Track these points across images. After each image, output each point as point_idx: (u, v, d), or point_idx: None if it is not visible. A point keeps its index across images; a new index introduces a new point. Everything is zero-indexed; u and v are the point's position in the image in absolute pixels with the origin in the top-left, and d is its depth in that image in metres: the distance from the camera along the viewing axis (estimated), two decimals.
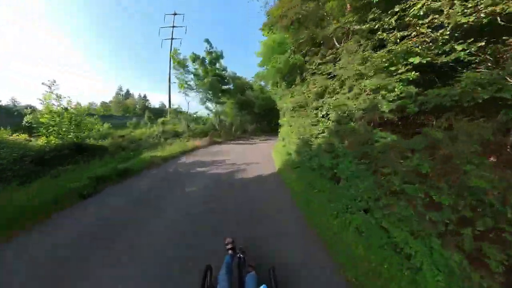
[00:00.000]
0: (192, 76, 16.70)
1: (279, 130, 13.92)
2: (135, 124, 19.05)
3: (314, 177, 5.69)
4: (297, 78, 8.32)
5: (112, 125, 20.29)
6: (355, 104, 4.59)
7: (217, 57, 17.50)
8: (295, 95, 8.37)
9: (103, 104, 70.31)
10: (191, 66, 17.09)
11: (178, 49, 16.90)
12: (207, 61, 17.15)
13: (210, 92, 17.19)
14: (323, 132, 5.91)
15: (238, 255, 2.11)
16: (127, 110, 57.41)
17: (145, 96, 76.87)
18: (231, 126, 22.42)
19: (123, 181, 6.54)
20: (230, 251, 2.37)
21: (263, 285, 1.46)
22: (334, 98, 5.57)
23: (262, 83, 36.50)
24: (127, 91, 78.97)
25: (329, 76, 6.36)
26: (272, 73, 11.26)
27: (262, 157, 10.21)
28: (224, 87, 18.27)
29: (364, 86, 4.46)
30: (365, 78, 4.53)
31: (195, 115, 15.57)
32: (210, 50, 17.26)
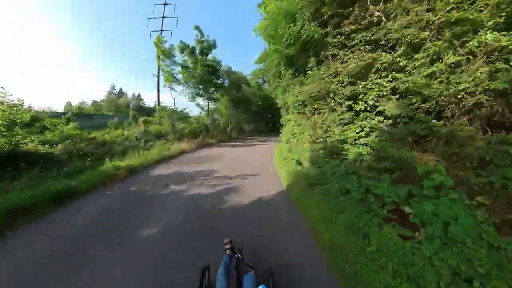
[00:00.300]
0: (180, 68, 14.12)
1: (280, 130, 11.64)
2: (117, 124, 16.50)
3: (348, 207, 3.40)
4: (310, 60, 5.99)
5: (93, 125, 17.73)
6: (458, 83, 2.27)
7: (209, 47, 15.04)
8: (308, 83, 6.04)
9: (94, 103, 67.37)
10: (179, 57, 14.61)
11: (163, 37, 14.40)
12: (197, 51, 14.68)
13: (201, 86, 14.69)
14: (366, 136, 3.59)
15: (236, 255, 2.00)
16: (118, 109, 54.53)
17: (139, 95, 74.02)
18: (226, 126, 20.04)
19: (55, 212, 4.19)
20: (228, 251, 2.23)
21: (262, 285, 1.36)
22: (389, 77, 3.25)
23: (260, 80, 34.42)
24: (120, 89, 75.91)
25: (370, 49, 4.04)
26: (274, 60, 8.93)
27: (262, 164, 7.88)
28: (217, 81, 15.76)
29: (478, 46, 2.14)
30: (483, 31, 2.21)
31: (182, 113, 12.95)
32: (201, 39, 14.79)
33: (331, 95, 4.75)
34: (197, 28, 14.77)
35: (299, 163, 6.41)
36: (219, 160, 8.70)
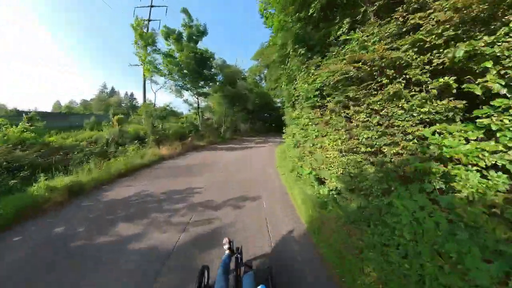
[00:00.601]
0: (165, 57, 11.65)
1: (284, 131, 9.61)
2: (93, 124, 14.16)
3: None
4: (343, 24, 3.93)
5: (65, 126, 15.34)
6: None
7: (198, 32, 12.76)
8: (331, 62, 3.98)
9: (84, 102, 64.52)
10: (164, 45, 12.32)
11: (142, 18, 12.07)
12: (184, 37, 12.40)
13: (188, 78, 12.36)
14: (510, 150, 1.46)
15: (235, 255, 2.02)
16: (108, 109, 51.77)
17: (132, 94, 71.34)
18: (219, 126, 17.84)
19: None
20: (227, 251, 2.16)
21: (261, 285, 1.31)
22: None
23: (257, 78, 32.28)
24: (112, 88, 73.26)
25: None
26: (277, 40, 6.89)
27: (263, 177, 5.84)
28: (207, 72, 13.42)
29: None
30: None
31: (166, 109, 10.50)
32: (190, 24, 12.54)
33: (388, 71, 2.67)
34: (184, 11, 12.52)
35: (319, 180, 4.36)
36: (205, 170, 6.58)
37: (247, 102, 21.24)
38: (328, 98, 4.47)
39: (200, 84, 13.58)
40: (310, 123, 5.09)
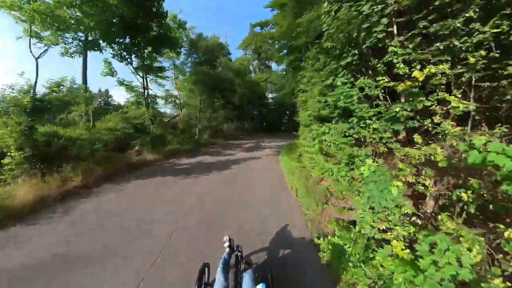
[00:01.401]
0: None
1: (299, 132, 4.82)
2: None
3: None
4: None
5: None
6: None
7: None
8: None
9: None
10: None
11: None
12: None
13: (107, 28, 6.46)
14: None
15: (235, 253, 2.00)
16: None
17: (107, 91, 63.56)
18: (191, 126, 12.62)
19: None
20: (227, 249, 2.19)
21: (262, 283, 1.32)
22: None
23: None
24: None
25: None
26: None
27: None
28: (154, 25, 7.75)
29: None
30: None
31: (55, 93, 4.78)
32: None
33: None
34: None
35: None
36: None
37: (232, 93, 16.12)
38: None
39: (145, 52, 7.77)
40: None
